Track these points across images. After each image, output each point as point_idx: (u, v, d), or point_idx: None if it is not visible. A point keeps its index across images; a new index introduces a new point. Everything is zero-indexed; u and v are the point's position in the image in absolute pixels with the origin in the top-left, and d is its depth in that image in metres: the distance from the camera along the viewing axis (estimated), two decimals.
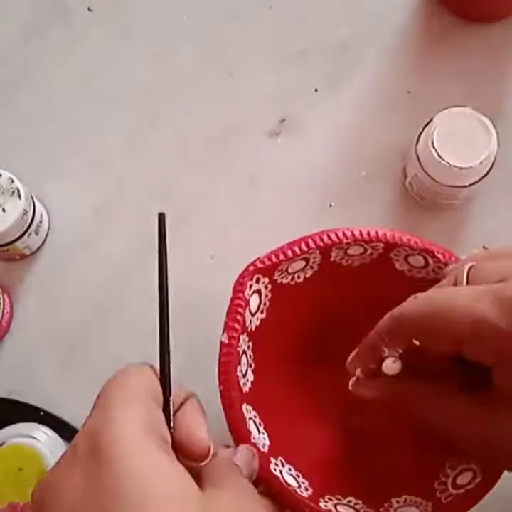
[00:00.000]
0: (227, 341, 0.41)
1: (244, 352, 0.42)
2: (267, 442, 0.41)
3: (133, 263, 0.54)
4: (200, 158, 0.55)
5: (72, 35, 0.57)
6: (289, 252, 0.42)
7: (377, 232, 0.43)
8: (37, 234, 0.53)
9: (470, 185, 0.48)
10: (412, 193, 0.53)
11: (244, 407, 0.41)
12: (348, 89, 0.55)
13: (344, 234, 0.43)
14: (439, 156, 0.46)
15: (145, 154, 0.56)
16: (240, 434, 0.40)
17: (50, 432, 0.49)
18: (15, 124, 0.56)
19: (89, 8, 0.57)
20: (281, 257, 0.42)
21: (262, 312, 0.44)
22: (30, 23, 0.58)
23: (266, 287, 0.43)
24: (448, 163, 0.46)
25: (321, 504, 0.40)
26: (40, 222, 0.53)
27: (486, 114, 0.47)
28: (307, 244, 0.42)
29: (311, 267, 0.44)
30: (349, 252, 0.44)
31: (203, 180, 0.55)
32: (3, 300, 0.52)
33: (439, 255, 0.42)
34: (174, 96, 0.56)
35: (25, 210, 0.50)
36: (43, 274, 0.54)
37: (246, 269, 0.42)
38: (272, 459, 0.40)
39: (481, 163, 0.46)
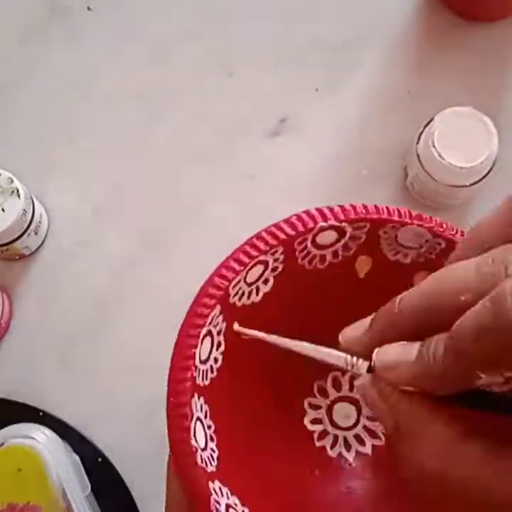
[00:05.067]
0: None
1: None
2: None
3: (132, 263, 0.54)
4: (200, 158, 0.55)
5: (72, 35, 0.57)
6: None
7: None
8: (36, 234, 0.53)
9: (471, 185, 0.47)
10: (412, 192, 0.53)
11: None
12: (348, 89, 0.55)
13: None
14: (439, 155, 0.46)
15: (145, 154, 0.55)
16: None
17: (49, 432, 0.49)
18: (15, 124, 0.56)
19: (89, 8, 0.57)
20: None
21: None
22: (30, 23, 0.57)
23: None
24: (449, 162, 0.46)
25: None
26: (40, 222, 0.53)
27: (487, 113, 0.47)
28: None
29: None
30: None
31: (203, 180, 0.55)
32: (3, 300, 0.52)
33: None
34: (174, 96, 0.56)
35: (24, 209, 0.50)
36: (42, 274, 0.54)
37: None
38: None
39: (481, 162, 0.46)
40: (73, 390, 0.53)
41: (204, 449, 0.30)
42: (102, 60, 0.57)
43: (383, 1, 0.56)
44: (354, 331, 0.27)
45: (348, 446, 0.38)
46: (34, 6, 0.58)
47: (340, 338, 0.27)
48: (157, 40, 0.57)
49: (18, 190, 0.50)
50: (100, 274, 0.54)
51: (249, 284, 0.34)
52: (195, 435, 0.29)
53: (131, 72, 0.57)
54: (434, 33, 0.55)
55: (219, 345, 0.33)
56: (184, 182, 0.55)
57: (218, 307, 0.32)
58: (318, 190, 0.54)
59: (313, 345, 0.28)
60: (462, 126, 0.46)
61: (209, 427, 0.31)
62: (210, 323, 0.31)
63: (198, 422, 0.30)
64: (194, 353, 0.30)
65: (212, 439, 0.31)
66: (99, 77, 0.57)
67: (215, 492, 0.29)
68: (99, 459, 0.50)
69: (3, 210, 0.49)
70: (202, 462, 0.29)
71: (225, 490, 0.30)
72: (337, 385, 0.39)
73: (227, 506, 0.29)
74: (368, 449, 0.38)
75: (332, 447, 0.38)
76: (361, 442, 0.38)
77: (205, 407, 0.31)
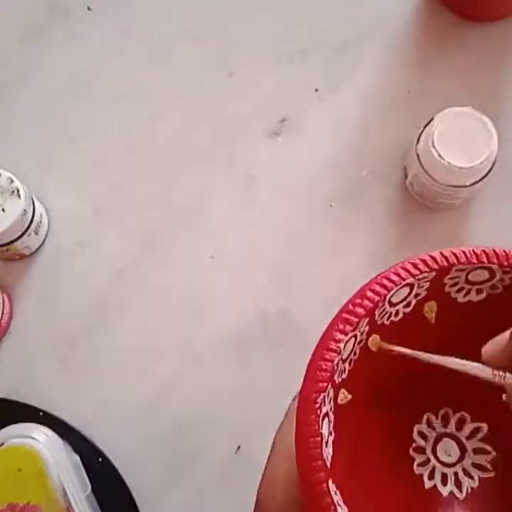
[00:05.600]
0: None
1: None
2: None
3: (132, 263, 0.54)
4: (200, 158, 0.55)
5: (72, 35, 0.57)
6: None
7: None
8: (37, 234, 0.53)
9: (470, 185, 0.47)
10: (412, 192, 0.53)
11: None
12: (348, 89, 0.55)
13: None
14: (439, 155, 0.46)
15: (145, 154, 0.55)
16: None
17: (49, 432, 0.49)
18: (15, 124, 0.56)
19: (88, 8, 0.57)
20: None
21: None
22: (30, 23, 0.57)
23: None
24: (448, 163, 0.46)
25: None
26: (40, 222, 0.53)
27: (487, 113, 0.47)
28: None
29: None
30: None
31: (203, 180, 0.55)
32: (3, 300, 0.52)
33: None
34: (174, 96, 0.56)
35: (25, 209, 0.50)
36: (42, 274, 0.54)
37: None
38: None
39: (481, 163, 0.46)
40: (73, 390, 0.53)
41: (326, 444, 0.30)
42: (102, 60, 0.57)
43: (383, 1, 0.56)
44: (495, 344, 0.29)
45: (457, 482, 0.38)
46: (34, 6, 0.58)
47: (482, 351, 0.29)
48: (157, 40, 0.57)
49: (18, 191, 0.50)
50: (100, 274, 0.54)
51: (392, 305, 0.34)
52: (322, 427, 0.29)
53: (131, 72, 0.57)
54: (434, 33, 0.56)
55: (355, 353, 0.34)
56: (184, 182, 0.55)
57: (366, 319, 0.32)
58: (317, 190, 0.54)
59: (461, 360, 0.30)
60: (462, 126, 0.46)
61: (330, 422, 0.32)
62: (356, 329, 0.31)
63: (326, 417, 0.31)
64: (340, 348, 0.30)
65: (331, 434, 0.32)
66: (99, 77, 0.57)
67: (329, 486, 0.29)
68: (100, 459, 0.50)
69: (3, 210, 0.49)
70: (323, 454, 0.29)
71: (333, 487, 0.30)
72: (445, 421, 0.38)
73: (337, 503, 0.29)
74: (476, 483, 0.37)
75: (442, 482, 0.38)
76: (470, 477, 0.38)
77: (331, 404, 0.32)
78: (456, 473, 0.37)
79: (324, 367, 0.30)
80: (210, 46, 0.57)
